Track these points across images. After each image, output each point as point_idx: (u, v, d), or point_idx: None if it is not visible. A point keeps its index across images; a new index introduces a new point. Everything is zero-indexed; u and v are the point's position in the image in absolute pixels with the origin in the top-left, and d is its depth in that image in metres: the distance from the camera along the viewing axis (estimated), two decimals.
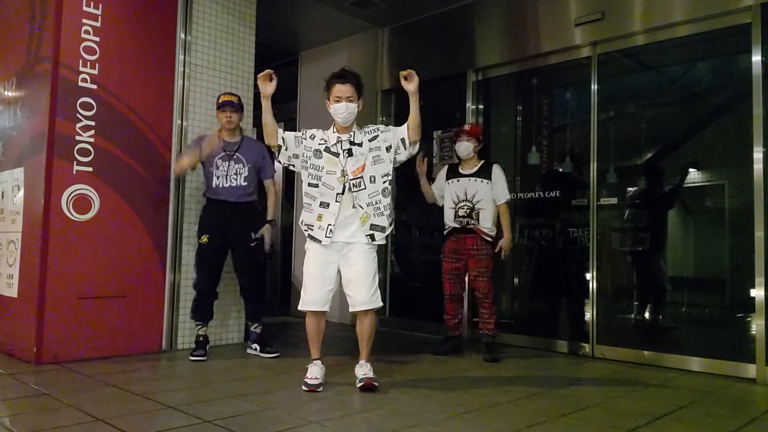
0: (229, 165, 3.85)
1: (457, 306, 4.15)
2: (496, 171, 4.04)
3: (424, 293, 5.47)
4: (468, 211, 4.01)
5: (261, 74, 3.00)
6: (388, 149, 3.10)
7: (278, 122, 7.08)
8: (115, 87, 3.79)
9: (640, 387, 3.30)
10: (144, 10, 3.97)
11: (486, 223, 3.99)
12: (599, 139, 4.33)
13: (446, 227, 4.15)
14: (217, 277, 3.94)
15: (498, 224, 4.08)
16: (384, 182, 3.07)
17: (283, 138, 3.10)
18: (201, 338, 3.88)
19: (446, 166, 4.35)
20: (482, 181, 4.02)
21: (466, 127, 4.15)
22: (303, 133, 3.15)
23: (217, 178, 3.85)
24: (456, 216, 4.06)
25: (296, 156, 3.11)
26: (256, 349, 3.95)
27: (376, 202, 3.05)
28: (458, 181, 4.10)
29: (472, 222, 4.00)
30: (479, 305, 4.06)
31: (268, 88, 3.01)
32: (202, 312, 3.90)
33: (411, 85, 3.03)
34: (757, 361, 3.48)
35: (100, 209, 3.69)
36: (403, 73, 3.03)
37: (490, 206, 4.00)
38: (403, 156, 3.12)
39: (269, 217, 4.04)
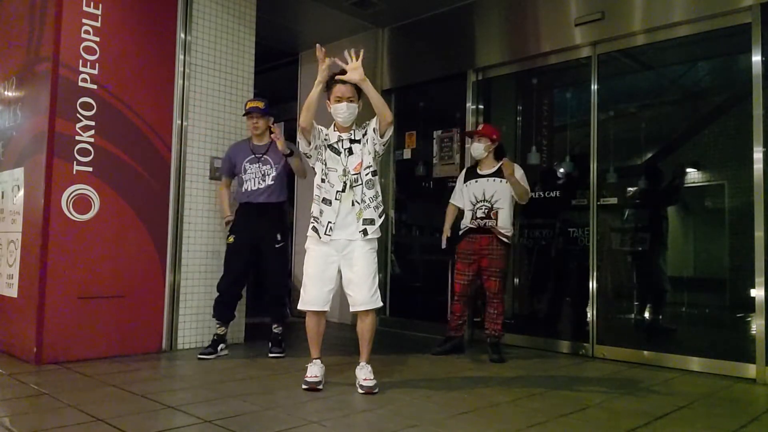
0: (258, 167, 3.90)
1: (464, 308, 4.13)
2: (515, 170, 4.00)
3: (424, 293, 5.48)
4: (486, 211, 3.99)
5: (326, 60, 2.93)
6: (367, 142, 3.10)
7: (278, 122, 7.11)
8: (115, 87, 3.79)
9: (640, 387, 3.30)
10: (144, 10, 3.97)
11: (503, 223, 3.97)
12: (599, 139, 4.33)
13: (462, 227, 4.13)
14: (241, 279, 3.96)
15: (514, 223, 4.08)
16: (367, 174, 3.07)
17: (313, 124, 3.04)
18: (215, 337, 3.90)
19: (465, 169, 4.35)
20: (501, 181, 4.00)
21: (479, 127, 4.14)
22: (315, 127, 3.10)
23: (247, 182, 3.91)
24: (474, 217, 4.04)
25: (315, 147, 3.09)
26: (276, 351, 3.91)
27: (362, 193, 3.05)
28: (476, 182, 4.08)
29: (490, 223, 3.98)
30: (488, 304, 4.05)
31: (324, 74, 2.96)
32: (220, 312, 3.92)
33: (355, 75, 2.97)
34: (757, 361, 3.48)
35: (100, 209, 3.69)
36: (348, 67, 2.97)
37: (507, 205, 3.99)
38: (378, 146, 3.08)
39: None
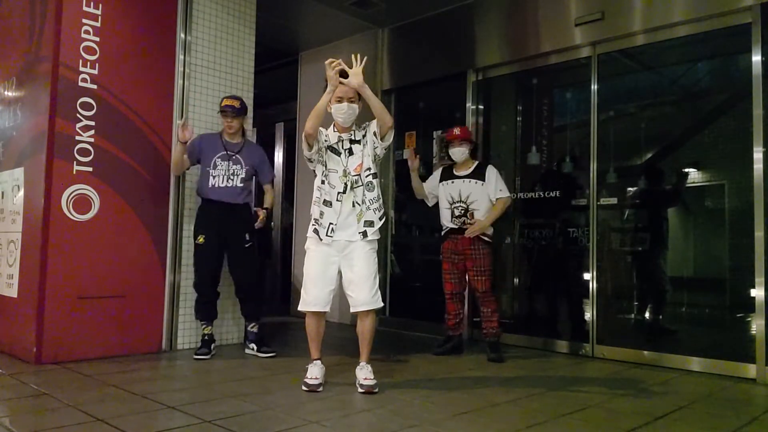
0: (228, 165, 3.87)
1: (457, 306, 4.16)
2: (489, 172, 4.06)
3: (424, 293, 5.47)
4: (462, 211, 4.03)
5: (335, 65, 2.96)
6: (367, 143, 3.11)
7: (279, 122, 7.10)
8: (115, 87, 3.79)
9: (640, 387, 3.30)
10: (144, 11, 3.97)
11: None
12: (599, 139, 4.33)
13: (444, 228, 4.17)
14: (217, 277, 3.94)
15: (494, 224, 4.10)
16: (367, 176, 3.08)
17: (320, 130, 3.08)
18: (206, 337, 3.90)
19: (441, 168, 4.35)
20: (476, 183, 4.04)
21: (456, 131, 4.12)
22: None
23: (213, 177, 3.85)
24: (452, 216, 4.08)
25: (317, 150, 3.10)
26: (253, 349, 3.95)
27: (363, 195, 3.06)
28: (452, 182, 4.12)
29: (468, 222, 4.01)
30: (480, 305, 4.07)
31: (334, 81, 2.97)
32: (204, 312, 3.92)
33: (354, 80, 2.98)
34: (757, 361, 3.48)
35: (100, 209, 3.69)
36: (350, 71, 2.99)
37: (484, 206, 4.02)
38: (379, 149, 3.10)
39: (265, 206, 4.09)
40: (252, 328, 4.01)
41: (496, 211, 4.02)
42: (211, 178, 3.85)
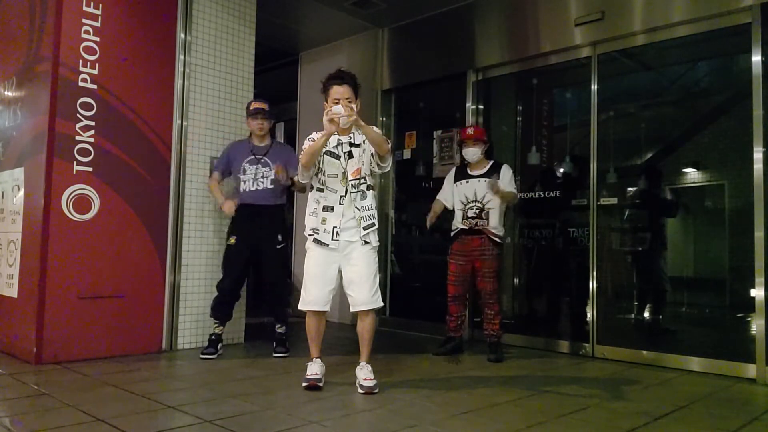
0: (256, 168, 3.91)
1: (460, 307, 4.15)
2: (505, 170, 4.04)
3: (424, 293, 5.48)
4: (478, 211, 4.00)
5: (333, 115, 2.92)
6: (366, 149, 3.10)
7: (279, 122, 7.09)
8: (115, 87, 3.79)
9: (640, 387, 3.30)
10: (144, 10, 3.96)
11: (494, 223, 3.99)
12: (599, 139, 4.33)
13: (453, 228, 4.14)
14: (241, 280, 3.98)
15: (505, 224, 4.11)
16: (362, 184, 3.08)
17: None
18: (213, 337, 3.91)
19: (453, 168, 4.34)
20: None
21: (470, 131, 4.12)
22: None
23: (245, 182, 3.90)
24: (465, 217, 4.05)
25: (314, 171, 3.10)
26: (281, 352, 3.91)
27: (361, 200, 3.07)
28: (467, 182, 4.10)
29: (482, 223, 3.99)
30: (484, 305, 4.06)
31: (333, 128, 2.94)
32: (220, 312, 3.93)
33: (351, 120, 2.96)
34: (757, 361, 3.48)
35: (100, 209, 3.69)
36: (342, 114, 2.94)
37: (497, 206, 4.00)
38: (377, 169, 3.10)
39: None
40: (280, 329, 4.01)
41: (508, 195, 3.98)
42: (242, 183, 3.91)
